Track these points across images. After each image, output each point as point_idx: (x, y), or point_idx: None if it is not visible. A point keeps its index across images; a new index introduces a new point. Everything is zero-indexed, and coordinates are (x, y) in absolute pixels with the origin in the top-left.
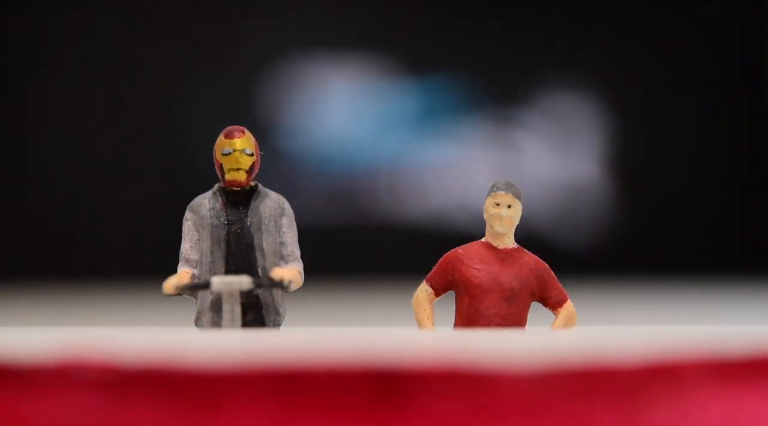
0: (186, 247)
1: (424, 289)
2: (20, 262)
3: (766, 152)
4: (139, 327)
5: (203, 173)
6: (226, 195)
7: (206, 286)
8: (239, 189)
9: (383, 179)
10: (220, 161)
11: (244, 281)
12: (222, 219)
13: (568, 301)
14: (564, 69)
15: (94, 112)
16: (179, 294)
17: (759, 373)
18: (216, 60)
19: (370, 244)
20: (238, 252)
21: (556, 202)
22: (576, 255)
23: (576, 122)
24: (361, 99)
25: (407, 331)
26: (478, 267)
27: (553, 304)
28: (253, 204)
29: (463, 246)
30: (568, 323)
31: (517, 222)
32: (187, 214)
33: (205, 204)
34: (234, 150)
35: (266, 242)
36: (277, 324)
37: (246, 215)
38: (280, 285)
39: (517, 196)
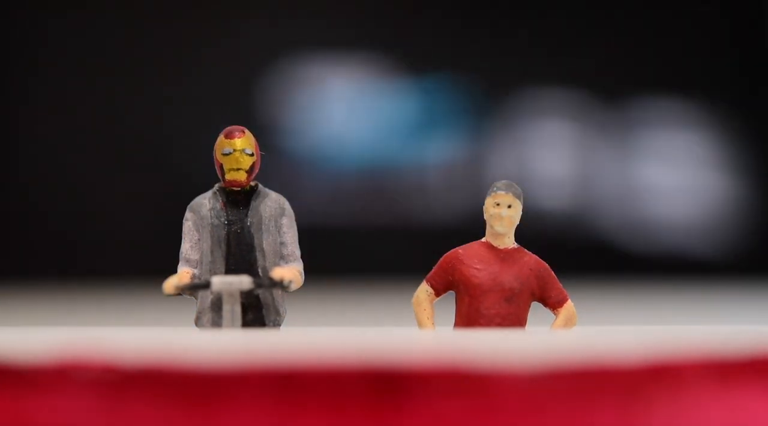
0: (186, 247)
1: (424, 289)
2: (20, 262)
3: None
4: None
5: (203, 173)
6: (226, 195)
7: (206, 286)
8: (239, 189)
9: (383, 179)
10: (221, 161)
11: (244, 281)
12: (222, 219)
13: (569, 301)
14: (564, 68)
15: (93, 113)
16: (179, 294)
17: (759, 373)
18: (216, 60)
19: (370, 244)
20: (239, 252)
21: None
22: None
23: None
24: (360, 99)
25: (407, 331)
26: (478, 267)
27: (554, 304)
28: (253, 204)
29: (464, 246)
30: (569, 323)
31: (517, 222)
32: (188, 214)
33: (206, 204)
34: (234, 150)
35: (266, 242)
36: (277, 324)
37: (246, 215)
38: (280, 285)
39: (518, 196)
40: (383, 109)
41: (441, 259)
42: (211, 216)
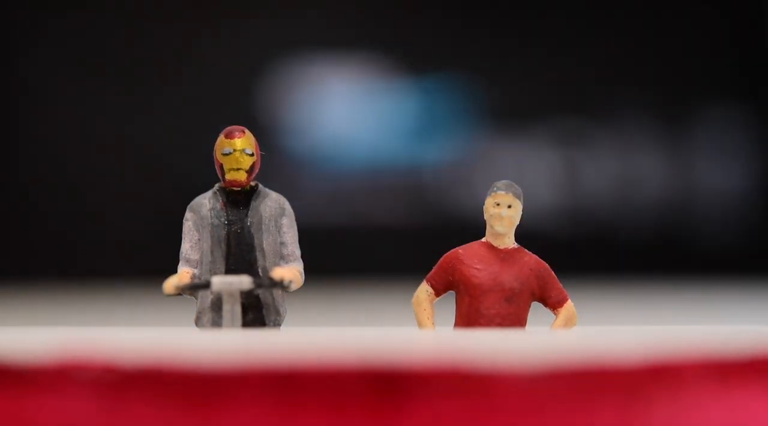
0: (186, 247)
1: (424, 289)
2: (20, 262)
3: None
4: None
5: (203, 173)
6: (226, 195)
7: (206, 286)
8: (239, 189)
9: (383, 179)
10: (221, 161)
11: (244, 281)
12: (222, 219)
13: (569, 301)
14: (564, 68)
15: (93, 113)
16: (179, 294)
17: (759, 373)
18: (216, 60)
19: (370, 244)
20: (239, 252)
21: (558, 197)
22: (576, 254)
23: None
24: (360, 99)
25: (407, 331)
26: (478, 267)
27: (554, 304)
28: (253, 204)
29: (464, 246)
30: (569, 323)
31: (517, 222)
32: (188, 214)
33: (206, 204)
34: (234, 150)
35: (266, 242)
36: (277, 324)
37: (246, 215)
38: (280, 285)
39: (517, 196)
40: (383, 109)
41: (441, 259)
42: (211, 216)
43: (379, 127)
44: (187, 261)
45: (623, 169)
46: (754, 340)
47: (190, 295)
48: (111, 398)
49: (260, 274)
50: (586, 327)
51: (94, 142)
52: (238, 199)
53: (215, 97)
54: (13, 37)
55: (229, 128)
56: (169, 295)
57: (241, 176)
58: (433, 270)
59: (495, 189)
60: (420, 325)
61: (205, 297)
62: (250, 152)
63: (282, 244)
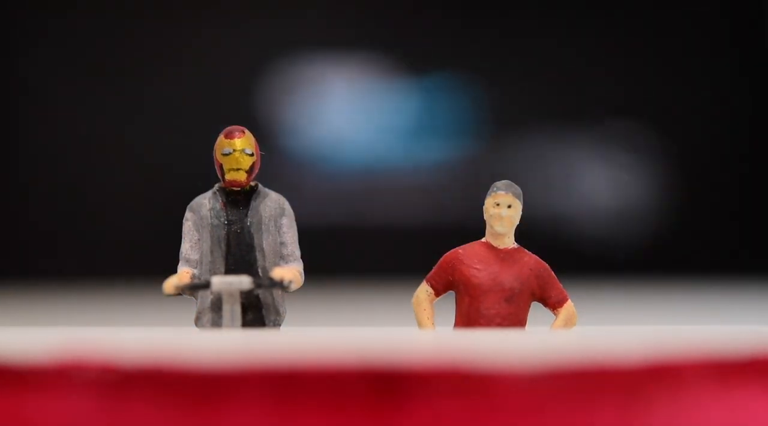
0: (186, 247)
1: (424, 289)
2: (20, 262)
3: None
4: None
5: (203, 173)
6: (226, 195)
7: (206, 286)
8: (239, 189)
9: (383, 179)
10: (221, 161)
11: (244, 281)
12: (222, 219)
13: (569, 301)
14: (564, 68)
15: (93, 113)
16: (179, 294)
17: (759, 373)
18: (216, 60)
19: (370, 244)
20: (238, 252)
21: (556, 201)
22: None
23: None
24: (360, 99)
25: (407, 331)
26: (478, 267)
27: (554, 304)
28: (253, 204)
29: (463, 246)
30: (569, 323)
31: (517, 222)
32: (188, 214)
33: (205, 204)
34: (234, 150)
35: (266, 242)
36: (277, 324)
37: (246, 215)
38: (280, 285)
39: (517, 196)
40: (383, 109)
41: (441, 259)
42: (211, 216)
43: (379, 127)
44: (187, 261)
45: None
46: (754, 340)
47: (190, 295)
48: (111, 398)
49: (260, 274)
50: (586, 327)
51: (93, 142)
52: (238, 199)
53: (215, 97)
54: (13, 37)
55: (228, 128)
56: (169, 295)
57: (241, 176)
58: (433, 270)
59: (495, 189)
60: (420, 325)
61: (205, 297)
62: (249, 152)
63: (282, 244)
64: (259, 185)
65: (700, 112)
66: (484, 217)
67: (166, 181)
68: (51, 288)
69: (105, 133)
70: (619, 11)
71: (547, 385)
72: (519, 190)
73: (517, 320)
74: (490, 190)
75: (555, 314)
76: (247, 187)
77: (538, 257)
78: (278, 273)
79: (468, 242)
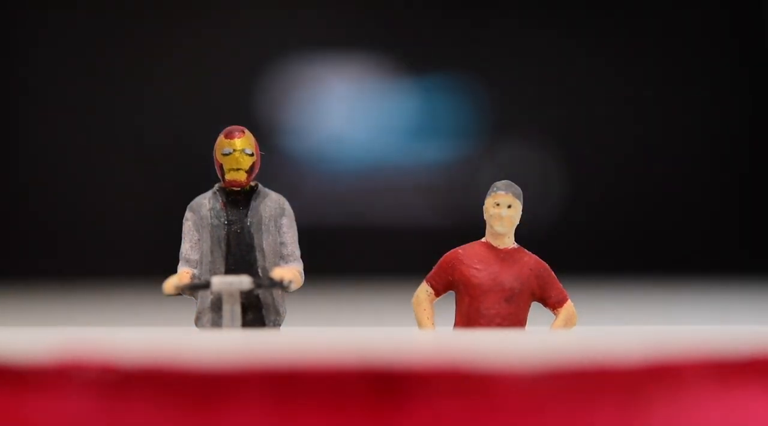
0: (186, 247)
1: (424, 289)
2: (20, 262)
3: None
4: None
5: (203, 173)
6: (226, 195)
7: (206, 286)
8: (239, 189)
9: (383, 179)
10: (220, 161)
11: (244, 281)
12: (222, 219)
13: (569, 301)
14: (563, 67)
15: (93, 113)
16: (179, 294)
17: (759, 373)
18: (216, 60)
19: (370, 244)
20: (238, 252)
21: (554, 200)
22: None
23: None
24: (360, 99)
25: (407, 331)
26: (478, 267)
27: (554, 304)
28: (253, 204)
29: (464, 246)
30: (568, 323)
31: (517, 222)
32: (187, 214)
33: (205, 204)
34: (234, 150)
35: (266, 242)
36: (277, 324)
37: (246, 215)
38: (280, 285)
39: (517, 196)
40: (383, 109)
41: (441, 259)
42: (210, 216)
43: (379, 127)
44: (187, 261)
45: (622, 168)
46: (754, 340)
47: (190, 295)
48: (111, 398)
49: (260, 274)
50: (586, 327)
51: (93, 142)
52: (238, 199)
53: (215, 97)
54: (13, 37)
55: (228, 128)
56: (169, 295)
57: (241, 176)
58: (432, 270)
59: (495, 189)
60: (420, 325)
61: (205, 297)
62: (249, 152)
63: (282, 244)
64: (259, 185)
65: (700, 111)
66: (484, 217)
67: (166, 181)
68: (51, 288)
69: (105, 133)
70: (620, 11)
71: (547, 385)
72: (519, 190)
73: (517, 320)
74: (490, 190)
75: (555, 314)
76: (247, 187)
77: (538, 257)
78: (278, 273)
79: (468, 242)
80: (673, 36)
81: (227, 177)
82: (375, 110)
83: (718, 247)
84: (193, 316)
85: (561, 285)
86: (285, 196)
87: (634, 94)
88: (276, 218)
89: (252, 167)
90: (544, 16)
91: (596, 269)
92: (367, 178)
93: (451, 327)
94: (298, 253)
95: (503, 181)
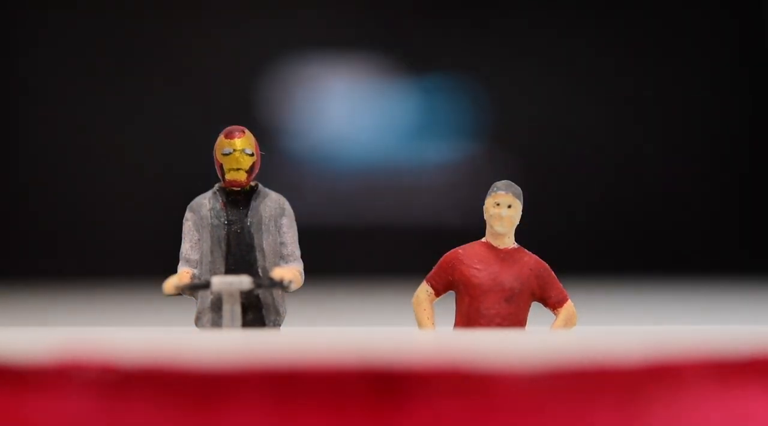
0: (186, 247)
1: (424, 289)
2: (20, 262)
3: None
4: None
5: (203, 173)
6: (226, 195)
7: (206, 286)
8: (239, 189)
9: (383, 179)
10: (221, 161)
11: (244, 281)
12: (222, 219)
13: (569, 301)
14: (563, 67)
15: (93, 113)
16: (179, 294)
17: (759, 373)
18: (216, 60)
19: (370, 244)
20: (238, 252)
21: (554, 199)
22: (576, 254)
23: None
24: (360, 99)
25: (407, 331)
26: (478, 267)
27: (554, 304)
28: (253, 204)
29: (464, 246)
30: (569, 323)
31: (517, 222)
32: (188, 214)
33: (206, 204)
34: (234, 150)
35: (266, 242)
36: (277, 324)
37: (246, 215)
38: (280, 285)
39: (517, 196)
40: (383, 109)
41: (441, 259)
42: (211, 216)
43: (379, 127)
44: (187, 261)
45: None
46: (754, 340)
47: (190, 295)
48: (111, 398)
49: (260, 274)
50: (586, 327)
51: (94, 142)
52: (238, 199)
53: (215, 97)
54: (13, 37)
55: (228, 128)
56: (169, 295)
57: (241, 176)
58: (433, 270)
59: (495, 189)
60: (420, 325)
61: (205, 297)
62: (250, 152)
63: (282, 244)
64: (260, 185)
65: (700, 111)
66: (484, 217)
67: (166, 181)
68: (51, 288)
69: (105, 133)
70: (619, 11)
71: (547, 385)
72: (519, 190)
73: (517, 320)
74: (490, 190)
75: (555, 314)
76: (247, 187)
77: (538, 257)
78: (278, 273)
79: (468, 242)
80: (673, 36)
81: (227, 177)
82: (375, 110)
83: (718, 247)
84: (193, 316)
85: (561, 285)
86: (285, 196)
87: (634, 94)
88: (276, 218)
89: (252, 167)
90: (544, 16)
91: (596, 269)
92: (367, 178)
93: (451, 327)
94: (298, 253)
95: (503, 181)
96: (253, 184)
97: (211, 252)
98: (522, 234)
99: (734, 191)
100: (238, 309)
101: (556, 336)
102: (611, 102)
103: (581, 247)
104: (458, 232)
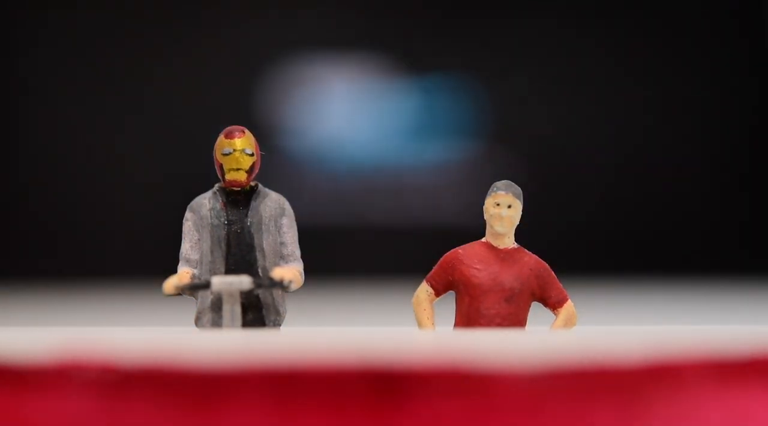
0: (186, 247)
1: (424, 289)
2: (20, 262)
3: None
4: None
5: (203, 173)
6: (226, 195)
7: (206, 286)
8: (239, 189)
9: (383, 179)
10: (221, 161)
11: (244, 281)
12: (222, 219)
13: (569, 301)
14: (563, 67)
15: (94, 113)
16: (179, 294)
17: (759, 373)
18: (216, 60)
19: (370, 244)
20: (238, 252)
21: (554, 199)
22: (576, 254)
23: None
24: (361, 99)
25: (407, 331)
26: (478, 267)
27: (554, 304)
28: (253, 204)
29: (464, 246)
30: (569, 323)
31: (517, 222)
32: (188, 214)
33: (206, 204)
34: (234, 150)
35: (266, 242)
36: (277, 324)
37: (246, 215)
38: (280, 285)
39: (517, 196)
40: (383, 108)
41: (441, 259)
42: (211, 216)
43: (379, 127)
44: (187, 261)
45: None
46: (754, 340)
47: (190, 295)
48: (111, 398)
49: (260, 274)
50: (586, 327)
51: (93, 141)
52: (238, 199)
53: (215, 97)
54: (13, 37)
55: (228, 128)
56: (169, 295)
57: (241, 176)
58: (433, 270)
59: (495, 189)
60: (420, 325)
61: (205, 297)
62: (250, 152)
63: (282, 244)
64: (260, 185)
65: (700, 111)
66: (484, 217)
67: (166, 180)
68: (51, 288)
69: (105, 132)
70: (620, 12)
71: (547, 385)
72: (519, 190)
73: (517, 320)
74: (490, 190)
75: (555, 314)
76: (247, 187)
77: (538, 257)
78: (278, 273)
79: (468, 242)
80: (673, 36)
81: (227, 177)
82: (375, 110)
83: (718, 247)
84: (193, 316)
85: (561, 285)
86: (285, 196)
87: (634, 94)
88: (276, 218)
89: (252, 167)
90: (544, 16)
91: (596, 269)
92: (367, 178)
93: (451, 327)
94: (298, 253)
95: (503, 181)
96: (253, 184)
97: (211, 252)
98: (522, 234)
99: (734, 191)
100: (238, 309)
101: (556, 336)
102: (611, 102)
103: (581, 247)
104: (458, 232)
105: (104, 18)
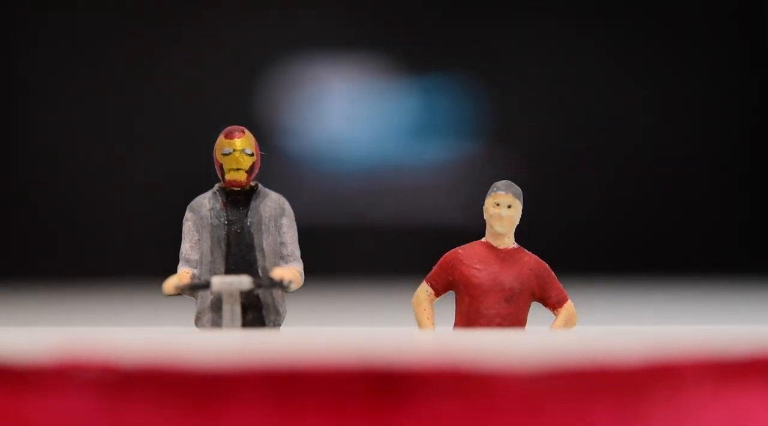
0: (186, 247)
1: (424, 289)
2: (20, 262)
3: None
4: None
5: (203, 173)
6: (226, 195)
7: (206, 286)
8: (239, 189)
9: (383, 179)
10: (220, 161)
11: (244, 281)
12: (222, 219)
13: (569, 301)
14: (563, 67)
15: (94, 113)
16: (179, 294)
17: (759, 373)
18: (216, 60)
19: (370, 244)
20: (238, 252)
21: (554, 199)
22: (576, 254)
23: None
24: (361, 99)
25: (407, 331)
26: (478, 267)
27: (554, 304)
28: (253, 204)
29: (464, 246)
30: (569, 323)
31: (517, 222)
32: (187, 214)
33: (206, 204)
34: (234, 150)
35: (266, 242)
36: (277, 324)
37: (246, 215)
38: (280, 285)
39: (517, 196)
40: (383, 108)
41: (441, 259)
42: (210, 216)
43: (378, 127)
44: (187, 261)
45: (622, 169)
46: (754, 340)
47: (190, 295)
48: (111, 398)
49: (260, 274)
50: (586, 327)
51: (93, 141)
52: (238, 199)
53: (215, 97)
54: (13, 37)
55: (228, 128)
56: (169, 295)
57: (241, 176)
58: (432, 270)
59: (495, 189)
60: (420, 325)
61: (205, 297)
62: (249, 152)
63: (282, 244)
64: (259, 185)
65: (700, 111)
66: (484, 217)
67: (166, 180)
68: (51, 288)
69: (105, 132)
70: (620, 12)
71: (547, 385)
72: (519, 190)
73: (517, 320)
74: (490, 190)
75: (555, 314)
76: (247, 187)
77: (538, 257)
78: (278, 273)
79: (468, 242)
80: (673, 36)
81: (227, 177)
82: (375, 110)
83: (718, 247)
84: (193, 316)
85: (561, 285)
86: (285, 196)
87: (634, 94)
88: (276, 218)
89: (252, 167)
90: (544, 16)
91: (596, 269)
92: (367, 178)
93: (451, 327)
94: (298, 253)
95: (503, 181)
96: (253, 184)
97: (211, 252)
98: (522, 234)
99: (734, 191)
100: (238, 309)
101: (556, 336)
102: (611, 102)
103: (581, 247)
104: (458, 232)
105: (104, 18)
